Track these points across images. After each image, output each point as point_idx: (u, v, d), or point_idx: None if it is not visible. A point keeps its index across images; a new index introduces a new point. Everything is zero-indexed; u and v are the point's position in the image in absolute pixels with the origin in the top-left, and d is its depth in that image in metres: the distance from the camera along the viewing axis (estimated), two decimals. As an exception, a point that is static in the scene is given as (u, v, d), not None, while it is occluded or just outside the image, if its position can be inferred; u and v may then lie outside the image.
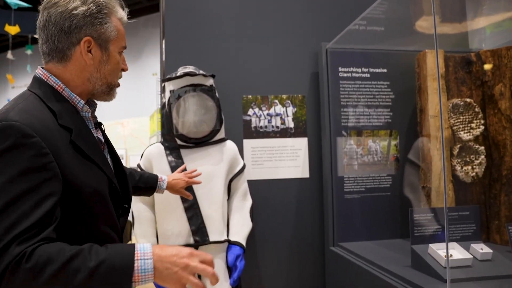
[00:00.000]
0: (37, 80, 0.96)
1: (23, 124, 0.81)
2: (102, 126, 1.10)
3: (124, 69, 1.07)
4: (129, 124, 8.22)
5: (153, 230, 1.80)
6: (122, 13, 1.03)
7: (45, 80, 0.96)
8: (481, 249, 1.41)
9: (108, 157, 1.09)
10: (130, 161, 7.98)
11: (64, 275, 0.75)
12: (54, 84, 0.95)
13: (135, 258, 0.80)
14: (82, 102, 0.99)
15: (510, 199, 1.82)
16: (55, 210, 0.82)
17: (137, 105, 8.18)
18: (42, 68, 0.98)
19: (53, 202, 0.81)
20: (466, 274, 1.31)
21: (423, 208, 1.72)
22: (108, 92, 1.04)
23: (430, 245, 1.41)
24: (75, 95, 0.97)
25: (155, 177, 1.54)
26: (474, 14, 2.17)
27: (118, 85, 1.07)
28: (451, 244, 1.46)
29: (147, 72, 8.46)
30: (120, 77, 1.07)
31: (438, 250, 1.38)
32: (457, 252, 1.41)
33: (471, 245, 1.43)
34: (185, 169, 1.68)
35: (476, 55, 1.94)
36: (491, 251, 1.39)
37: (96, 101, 1.08)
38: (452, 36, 2.14)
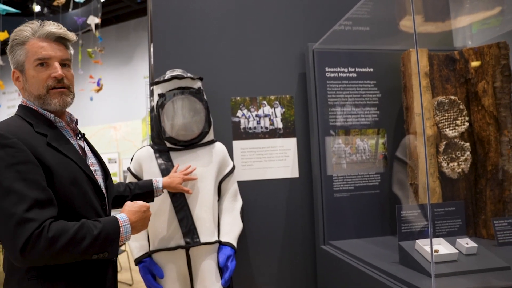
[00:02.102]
0: (19, 106, 1.21)
1: (2, 131, 1.04)
2: (85, 136, 1.32)
3: (55, 76, 1.17)
4: (122, 128, 8.20)
5: (144, 233, 1.81)
6: (37, 28, 1.18)
7: (24, 104, 1.20)
8: (467, 243, 1.43)
9: (95, 161, 1.30)
10: (123, 164, 7.96)
11: (75, 242, 1.00)
12: (31, 106, 1.19)
13: (120, 225, 1.12)
14: (52, 115, 1.19)
15: (495, 194, 1.86)
16: (47, 191, 1.03)
17: (129, 108, 8.17)
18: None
19: (42, 185, 1.03)
20: (451, 268, 1.33)
21: (410, 205, 1.75)
22: (43, 102, 1.18)
23: (416, 241, 1.43)
24: (45, 111, 1.18)
25: (149, 181, 1.67)
26: (457, 12, 2.21)
27: (50, 90, 1.18)
28: (437, 240, 1.48)
29: (138, 75, 8.45)
30: (54, 82, 1.18)
31: (424, 246, 1.41)
32: (443, 247, 1.43)
33: (457, 240, 1.46)
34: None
35: (460, 53, 1.97)
36: (476, 245, 1.42)
37: (72, 114, 1.29)
38: (436, 34, 2.17)
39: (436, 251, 1.40)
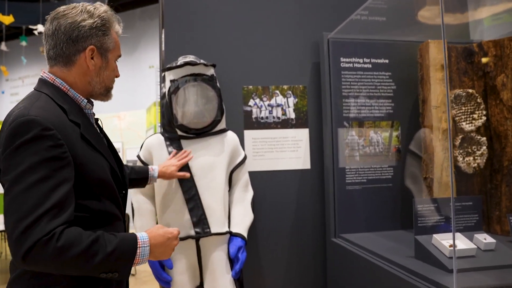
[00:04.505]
0: (43, 82, 1.09)
1: (42, 118, 0.94)
2: (99, 122, 1.25)
3: (117, 76, 1.21)
4: (126, 117, 8.16)
5: (153, 223, 1.79)
6: (119, 28, 1.18)
7: (51, 82, 1.08)
8: (485, 239, 1.40)
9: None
10: (127, 154, 7.94)
11: (85, 256, 0.91)
12: (60, 86, 1.08)
13: (138, 245, 1.00)
14: (85, 100, 1.12)
15: (510, 190, 1.82)
16: (70, 194, 0.95)
17: (133, 98, 8.13)
18: (47, 71, 1.10)
19: (68, 187, 0.94)
20: (470, 264, 1.30)
21: (427, 198, 1.72)
22: (106, 94, 1.19)
23: (434, 235, 1.40)
24: (78, 95, 1.10)
25: (146, 168, 1.65)
26: (475, 4, 2.15)
27: (112, 88, 1.22)
28: (455, 235, 1.45)
29: (144, 64, 8.38)
30: (114, 82, 1.21)
31: (442, 240, 1.38)
32: (461, 243, 1.40)
33: (475, 235, 1.43)
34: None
35: (478, 46, 1.92)
36: (494, 241, 1.39)
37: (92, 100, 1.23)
38: (454, 26, 2.12)
39: (452, 246, 1.37)
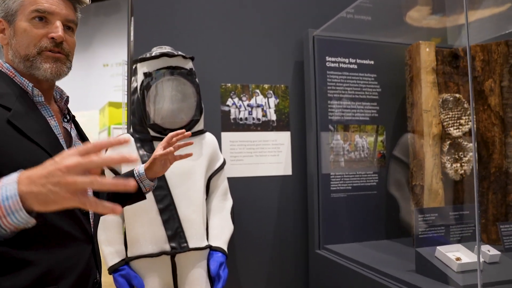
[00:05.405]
0: None
1: None
2: (75, 119, 1.07)
3: (54, 36, 0.93)
4: (77, 118, 7.58)
5: (120, 236, 1.55)
6: None
7: (0, 68, 0.95)
8: (488, 250, 1.32)
9: None
10: (77, 158, 7.40)
11: None
12: (7, 71, 0.94)
13: None
14: (31, 85, 0.93)
15: (497, 198, 1.78)
16: None
17: (86, 97, 7.61)
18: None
19: None
20: (477, 279, 1.21)
21: (429, 207, 1.62)
22: (31, 65, 0.93)
23: (437, 247, 1.30)
24: (24, 79, 0.93)
25: (130, 171, 1.23)
26: (459, 8, 2.13)
27: (44, 52, 0.94)
28: (455, 246, 1.36)
29: (97, 62, 7.90)
30: (51, 45, 0.94)
31: (447, 252, 1.28)
32: (464, 255, 1.31)
33: (476, 246, 1.34)
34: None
35: (464, 50, 1.88)
36: (499, 253, 1.31)
37: (64, 91, 1.05)
38: (440, 30, 2.08)
39: (458, 259, 1.28)
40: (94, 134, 7.40)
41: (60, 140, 0.94)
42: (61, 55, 0.94)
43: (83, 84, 7.55)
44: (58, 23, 0.92)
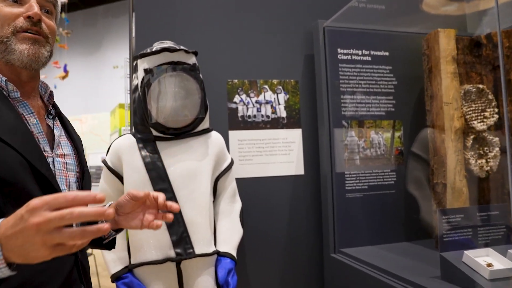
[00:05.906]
0: None
1: None
2: (61, 117, 0.97)
3: (29, 15, 0.83)
4: (88, 120, 7.63)
5: (122, 242, 1.47)
6: None
7: None
8: (522, 255, 1.20)
9: (69, 152, 0.93)
10: (89, 159, 7.42)
11: None
12: None
13: None
14: (4, 79, 0.83)
15: (527, 196, 1.65)
16: None
17: (96, 100, 7.63)
18: None
19: None
20: None
21: (455, 208, 1.50)
22: (5, 49, 0.83)
23: (465, 252, 1.18)
24: None
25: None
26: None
27: (19, 33, 0.83)
28: (484, 250, 1.25)
29: (107, 64, 7.90)
30: (27, 24, 0.84)
31: (476, 257, 1.16)
32: (495, 261, 1.19)
33: (509, 250, 1.22)
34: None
35: (487, 37, 1.75)
36: (534, 257, 1.19)
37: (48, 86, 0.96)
38: (458, 17, 1.95)
39: (490, 265, 1.16)
40: (105, 136, 7.41)
41: (41, 139, 0.85)
42: (40, 36, 0.85)
43: (93, 86, 7.58)
44: (33, 2, 0.84)
